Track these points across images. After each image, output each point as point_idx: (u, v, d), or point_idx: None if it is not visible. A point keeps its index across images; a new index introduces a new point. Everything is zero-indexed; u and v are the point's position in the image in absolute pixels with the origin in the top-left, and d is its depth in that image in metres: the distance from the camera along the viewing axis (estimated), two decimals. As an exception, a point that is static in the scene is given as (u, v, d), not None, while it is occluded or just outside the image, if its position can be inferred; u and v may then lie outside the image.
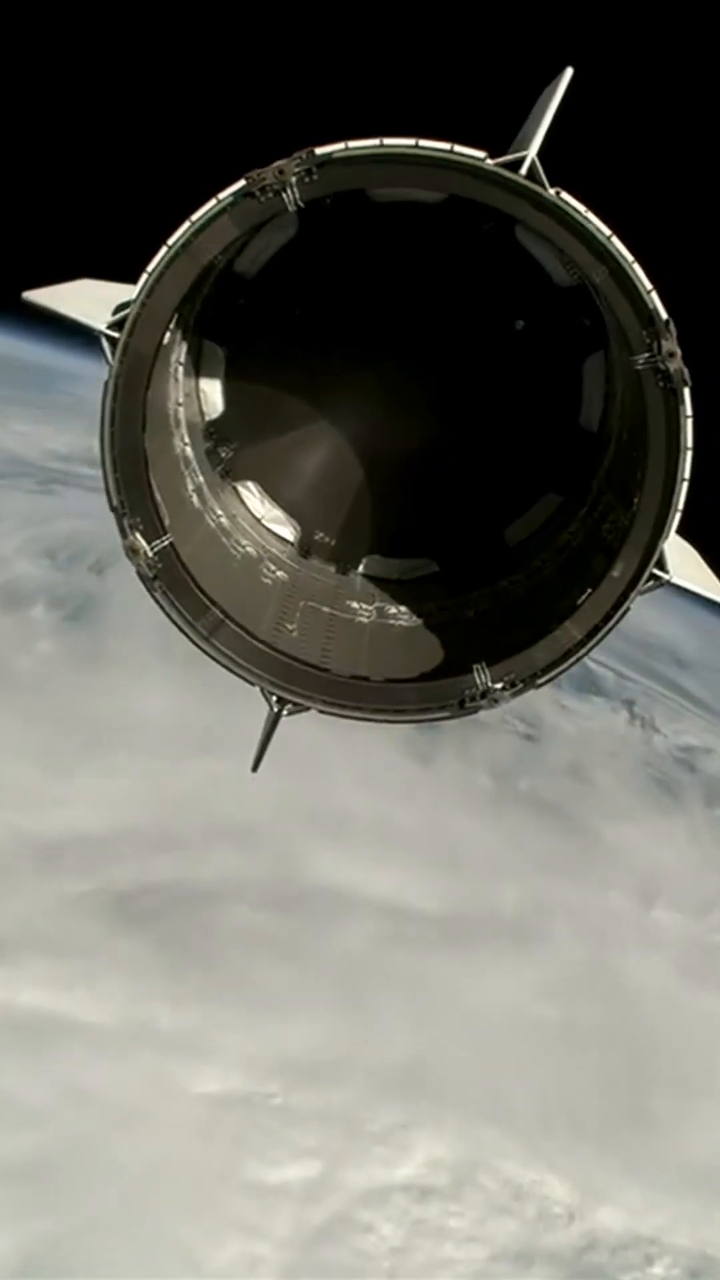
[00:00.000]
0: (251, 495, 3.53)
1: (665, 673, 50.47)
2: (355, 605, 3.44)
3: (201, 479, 3.36)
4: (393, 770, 30.23)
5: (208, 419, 3.28)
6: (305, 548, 3.53)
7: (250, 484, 3.51)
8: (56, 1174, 17.61)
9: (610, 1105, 23.36)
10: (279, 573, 3.48)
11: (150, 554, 3.02)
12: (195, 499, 3.32)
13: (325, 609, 3.39)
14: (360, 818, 27.41)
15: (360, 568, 3.53)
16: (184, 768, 26.30)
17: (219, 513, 3.46)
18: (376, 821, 27.58)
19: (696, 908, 30.60)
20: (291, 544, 3.52)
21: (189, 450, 3.30)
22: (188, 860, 23.91)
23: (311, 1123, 19.98)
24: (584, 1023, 24.74)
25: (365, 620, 3.42)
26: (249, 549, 3.46)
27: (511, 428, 3.21)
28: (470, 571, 3.37)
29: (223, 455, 3.36)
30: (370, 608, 3.43)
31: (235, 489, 3.47)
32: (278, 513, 3.51)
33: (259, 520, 3.51)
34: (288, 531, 3.56)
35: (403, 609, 3.40)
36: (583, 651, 2.96)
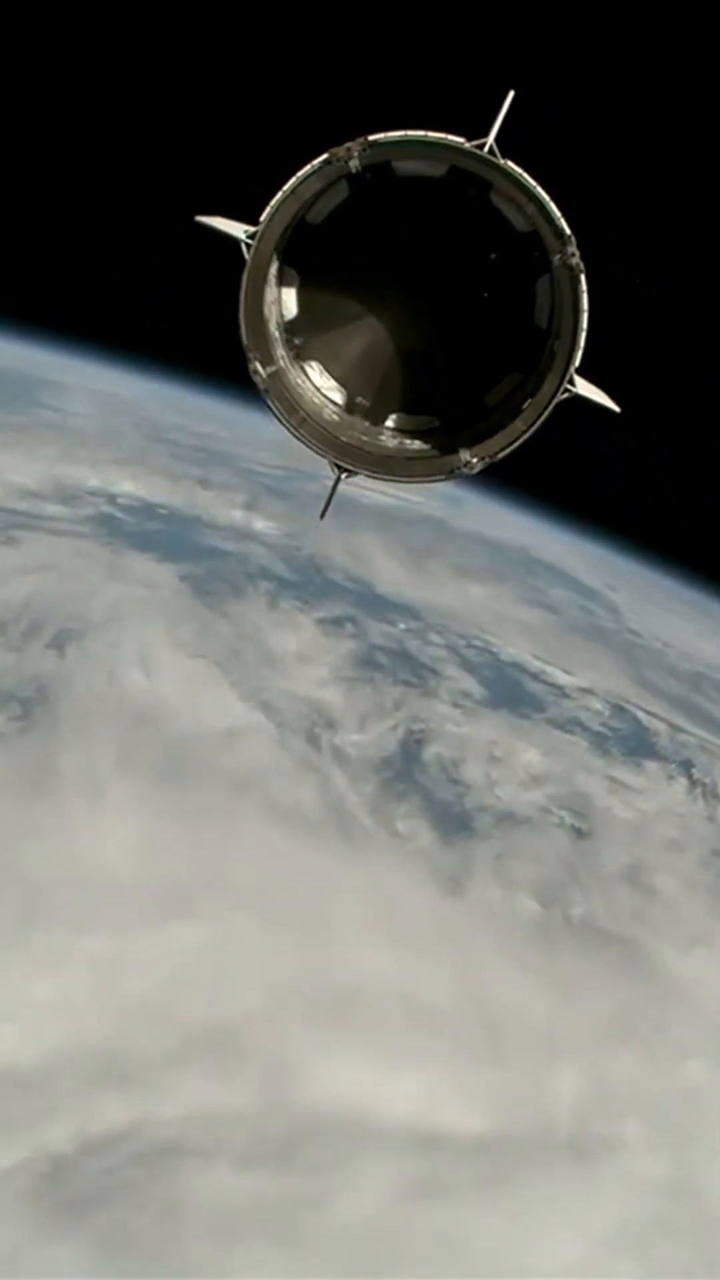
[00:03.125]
0: (313, 370, 4.62)
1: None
2: (383, 439, 4.64)
3: (283, 353, 4.48)
4: (416, 907, 23.60)
5: (285, 319, 4.45)
6: (349, 407, 4.64)
7: (313, 363, 4.61)
8: None
9: None
10: (334, 417, 4.65)
11: (265, 375, 4.34)
12: (282, 362, 4.50)
13: (365, 438, 4.59)
14: (375, 992, 20.83)
15: (387, 422, 4.67)
16: (146, 945, 19.76)
17: (295, 375, 4.59)
18: (395, 994, 21.00)
19: None
20: (340, 405, 4.65)
21: (276, 334, 4.46)
22: (147, 1095, 17.47)
23: None
24: (672, 1286, 18.28)
25: (391, 446, 4.62)
26: (315, 401, 4.61)
27: (487, 327, 4.47)
28: (461, 423, 4.55)
29: (295, 343, 4.48)
30: (394, 441, 4.63)
31: (302, 366, 4.59)
32: (331, 383, 4.62)
33: (318, 389, 4.62)
34: (338, 397, 4.65)
35: (416, 442, 4.63)
36: (525, 435, 4.27)
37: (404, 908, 23.17)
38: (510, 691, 35.91)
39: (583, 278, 3.96)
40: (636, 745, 36.27)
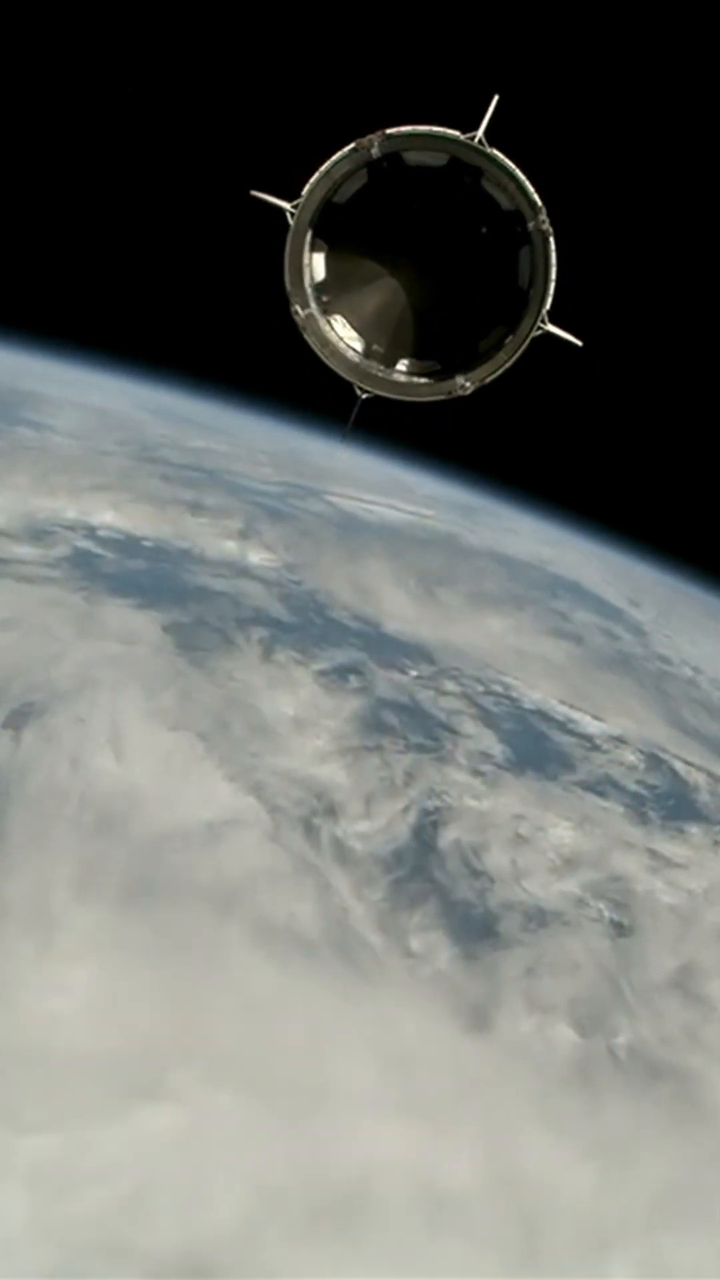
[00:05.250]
0: (338, 323, 5.40)
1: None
2: (395, 377, 5.42)
3: (314, 306, 5.36)
4: (435, 1056, 19.52)
5: (316, 280, 5.29)
6: (367, 353, 5.39)
7: (337, 316, 5.40)
8: None
9: None
10: (355, 359, 5.43)
11: (303, 315, 5.24)
12: (315, 312, 5.38)
13: (380, 375, 5.39)
14: (385, 1184, 16.78)
15: (398, 365, 5.44)
16: (103, 1142, 15.79)
17: (323, 325, 5.42)
18: (410, 1185, 16.95)
19: None
20: (360, 351, 5.39)
21: (309, 290, 5.31)
22: None
23: None
24: None
25: (402, 381, 5.42)
26: (340, 347, 5.42)
27: (479, 288, 5.26)
28: (457, 365, 5.35)
29: (323, 300, 5.33)
30: (404, 379, 5.42)
31: (329, 319, 5.39)
32: (353, 333, 5.40)
33: (342, 338, 5.41)
34: (358, 344, 5.40)
35: (422, 380, 5.41)
36: (507, 364, 5.11)
37: (420, 1058, 19.11)
38: (535, 748, 31.72)
39: (551, 239, 4.93)
40: (677, 805, 32.07)
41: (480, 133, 4.82)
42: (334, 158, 4.93)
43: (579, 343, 5.06)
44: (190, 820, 22.73)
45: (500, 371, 5.12)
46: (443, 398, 5.22)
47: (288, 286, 5.15)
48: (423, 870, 23.88)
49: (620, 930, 25.12)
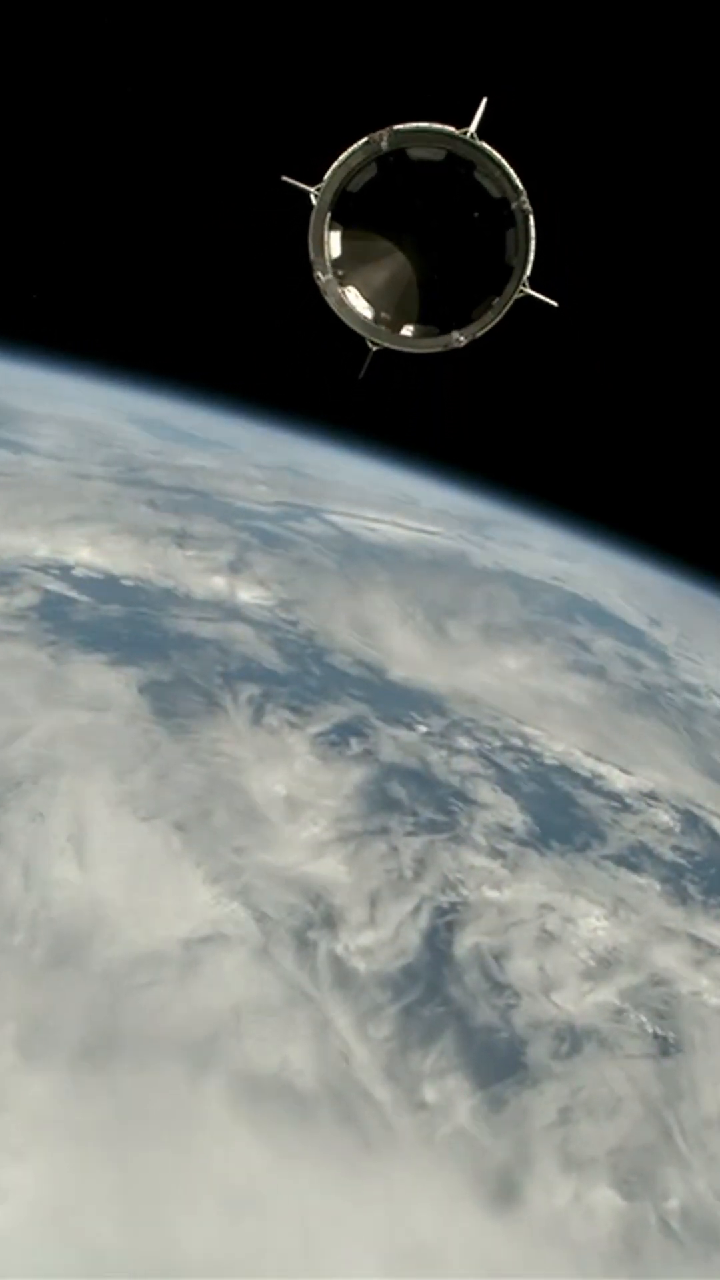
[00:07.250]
0: (351, 293, 6.19)
1: None
2: (400, 334, 6.24)
3: (330, 276, 6.14)
4: (455, 1244, 16.11)
5: (332, 257, 6.10)
6: (377, 319, 6.17)
7: (350, 288, 6.18)
8: None
9: None
10: (366, 320, 6.25)
11: (324, 280, 6.05)
12: (333, 279, 6.19)
13: (387, 333, 6.22)
14: None
15: (403, 330, 6.23)
16: None
17: (338, 293, 6.24)
18: None
19: None
20: (369, 318, 6.17)
21: (327, 263, 6.11)
22: None
23: None
24: None
25: (406, 335, 6.23)
26: (354, 310, 6.26)
27: (471, 264, 6.03)
28: (453, 328, 6.06)
29: (338, 274, 6.13)
30: (409, 340, 6.25)
31: (343, 290, 6.17)
32: (363, 303, 6.20)
33: (354, 306, 6.19)
34: (368, 313, 6.20)
35: (424, 340, 6.23)
36: (495, 321, 5.89)
37: (437, 1251, 15.65)
38: (560, 815, 28.20)
39: (531, 217, 5.67)
40: (718, 875, 28.57)
41: (473, 128, 5.63)
42: (350, 149, 5.78)
43: (555, 304, 5.83)
44: (163, 940, 19.28)
45: (488, 328, 5.91)
46: (440, 350, 6.04)
47: (311, 256, 6.02)
48: (437, 990, 20.40)
49: (665, 1048, 21.63)
